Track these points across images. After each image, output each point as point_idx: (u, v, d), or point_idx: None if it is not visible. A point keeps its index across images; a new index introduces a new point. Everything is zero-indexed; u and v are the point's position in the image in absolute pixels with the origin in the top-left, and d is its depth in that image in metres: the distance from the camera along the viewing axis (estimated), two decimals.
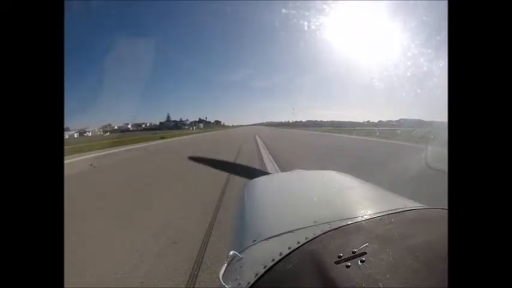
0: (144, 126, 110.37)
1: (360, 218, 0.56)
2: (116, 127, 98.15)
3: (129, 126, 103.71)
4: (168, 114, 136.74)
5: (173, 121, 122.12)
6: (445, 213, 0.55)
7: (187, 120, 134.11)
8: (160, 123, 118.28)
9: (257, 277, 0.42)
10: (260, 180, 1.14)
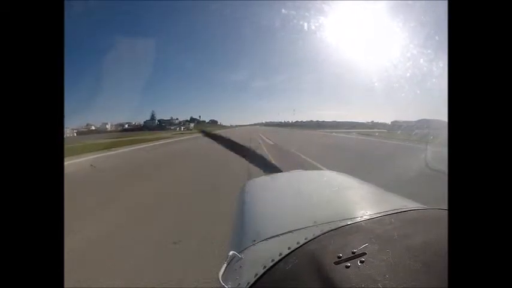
0: (127, 126, 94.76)
1: (359, 218, 0.56)
2: (92, 127, 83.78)
3: (108, 126, 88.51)
4: (153, 112, 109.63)
5: (158, 120, 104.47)
6: (445, 213, 0.55)
7: (176, 119, 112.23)
8: (145, 122, 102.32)
9: (257, 277, 0.42)
10: (260, 180, 1.14)
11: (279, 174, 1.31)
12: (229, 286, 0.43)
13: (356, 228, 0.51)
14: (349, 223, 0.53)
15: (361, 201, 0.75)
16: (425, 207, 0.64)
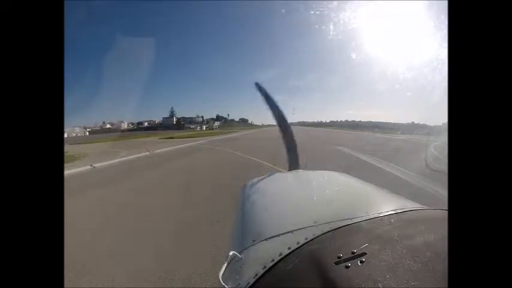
0: (147, 124, 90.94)
1: (359, 218, 0.55)
2: (108, 126, 79.92)
3: (124, 124, 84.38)
4: (172, 109, 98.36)
5: (178, 118, 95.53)
6: (445, 213, 0.55)
7: (201, 117, 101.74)
8: (163, 120, 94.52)
9: (256, 277, 0.42)
10: (260, 180, 1.14)
11: (279, 174, 1.31)
12: (229, 286, 0.43)
13: (356, 228, 0.51)
14: (349, 223, 0.53)
15: (361, 201, 0.75)
16: (425, 207, 0.64)
